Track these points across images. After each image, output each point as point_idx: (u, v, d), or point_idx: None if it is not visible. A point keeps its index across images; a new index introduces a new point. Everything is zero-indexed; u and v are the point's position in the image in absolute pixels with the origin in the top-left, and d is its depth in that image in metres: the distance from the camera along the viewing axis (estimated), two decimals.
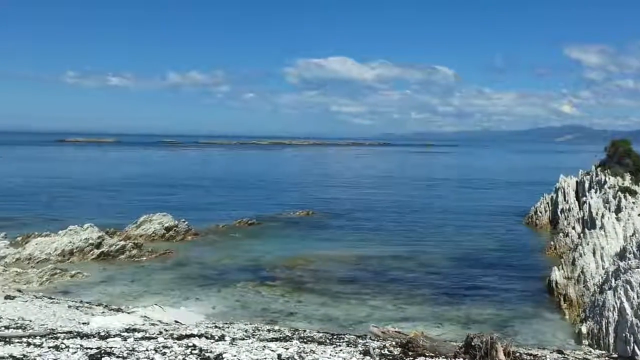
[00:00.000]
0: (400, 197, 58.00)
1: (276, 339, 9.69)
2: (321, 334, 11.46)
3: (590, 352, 12.06)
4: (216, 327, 12.00)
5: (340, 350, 8.47)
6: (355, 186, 69.68)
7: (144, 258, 28.14)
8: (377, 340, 9.36)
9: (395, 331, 9.53)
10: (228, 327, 12.15)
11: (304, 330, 12.96)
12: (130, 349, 7.79)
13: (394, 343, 8.84)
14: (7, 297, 16.58)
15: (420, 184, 74.02)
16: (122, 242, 29.39)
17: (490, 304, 21.31)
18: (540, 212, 41.99)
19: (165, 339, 8.94)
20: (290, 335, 11.02)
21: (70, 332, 9.89)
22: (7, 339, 8.97)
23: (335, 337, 10.70)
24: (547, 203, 42.21)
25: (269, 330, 12.15)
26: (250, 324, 14.47)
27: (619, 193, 32.70)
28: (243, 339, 9.28)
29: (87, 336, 9.38)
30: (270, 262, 27.75)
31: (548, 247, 31.44)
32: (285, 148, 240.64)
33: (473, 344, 7.74)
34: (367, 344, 9.11)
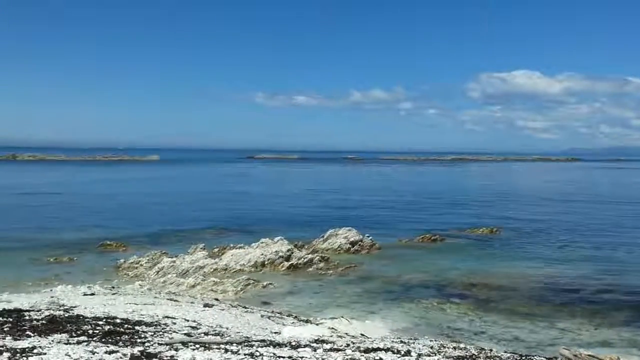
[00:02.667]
0: (591, 215, 54.89)
1: (462, 357, 9.61)
2: (509, 355, 11.21)
3: None
4: (401, 342, 12.08)
5: None
6: (542, 203, 66.89)
7: (330, 271, 28.80)
8: None
9: (589, 355, 9.13)
10: (413, 343, 12.19)
11: (490, 350, 12.71)
12: (320, 359, 8.09)
13: None
14: (205, 305, 17.73)
15: (614, 201, 69.62)
16: (310, 255, 30.32)
17: None
18: None
19: (352, 351, 9.18)
20: (476, 354, 10.88)
21: (264, 340, 10.42)
22: (206, 345, 9.64)
23: (523, 358, 10.42)
24: None
25: (454, 348, 12.05)
26: (435, 340, 14.39)
27: None
28: (429, 355, 9.31)
29: (279, 345, 9.85)
30: (454, 279, 27.37)
31: None
32: (468, 164, 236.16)
33: None
34: None
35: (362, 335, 13.72)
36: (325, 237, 35.02)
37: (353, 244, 34.29)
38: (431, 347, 11.78)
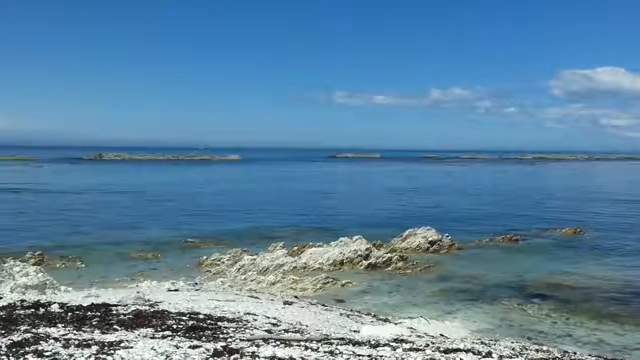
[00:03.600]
0: None
1: None
2: (594, 358, 10.92)
3: None
4: (482, 343, 11.92)
5: None
6: (627, 204, 64.53)
7: (409, 270, 28.66)
8: None
9: None
10: (494, 344, 12.02)
11: (574, 353, 12.40)
12: (400, 359, 8.08)
13: None
14: (285, 303, 17.95)
15: None
16: (388, 255, 30.23)
17: None
18: None
19: (432, 351, 9.13)
20: (559, 356, 10.64)
21: (343, 338, 10.48)
22: (287, 342, 9.77)
23: None
24: None
25: (537, 351, 11.81)
26: (517, 342, 14.14)
27: None
28: (511, 357, 9.16)
29: (358, 344, 9.88)
30: (536, 279, 26.78)
31: None
32: (549, 163, 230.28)
33: None
34: None
35: (442, 335, 13.62)
36: (403, 236, 34.85)
37: (432, 243, 34.01)
38: (513, 349, 11.59)
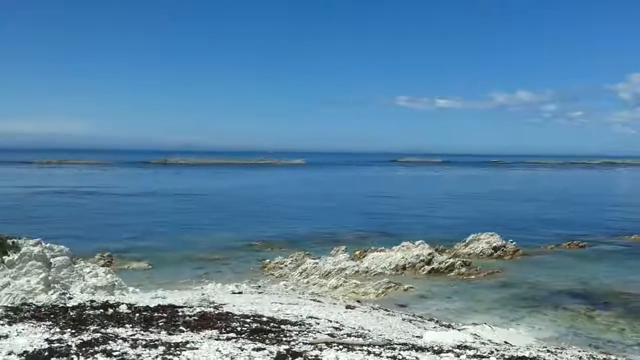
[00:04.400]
0: None
1: None
2: None
3: None
4: (548, 351, 11.71)
5: None
6: None
7: (472, 276, 28.33)
8: None
9: None
10: (560, 353, 11.78)
11: None
12: None
13: None
14: (347, 307, 17.99)
15: None
16: (451, 260, 29.95)
17: None
18: None
19: (497, 359, 9.03)
20: None
21: (406, 344, 10.45)
22: (349, 346, 9.80)
23: None
24: None
25: None
26: (584, 351, 13.83)
27: None
28: None
29: (421, 349, 9.84)
30: (603, 287, 26.10)
31: None
32: (617, 167, 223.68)
33: None
34: None
35: (506, 342, 13.43)
36: (467, 241, 34.47)
37: (496, 249, 33.54)
38: (580, 358, 11.36)
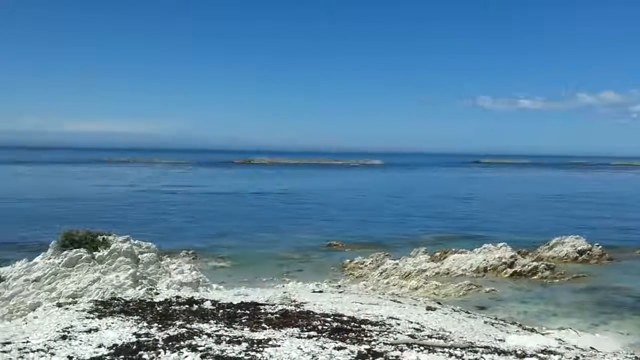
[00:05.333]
0: None
1: None
2: None
3: None
4: (636, 358, 11.37)
5: None
6: None
7: (556, 280, 27.68)
8: None
9: None
10: None
11: None
12: None
13: None
14: (428, 308, 17.89)
15: None
16: (534, 263, 29.32)
17: None
18: None
19: None
20: None
21: (488, 347, 10.34)
22: (430, 348, 9.79)
23: None
24: None
25: None
26: None
27: None
28: None
29: (503, 353, 9.73)
30: None
31: None
32: None
33: None
34: None
35: (592, 348, 13.08)
36: (550, 244, 33.67)
37: (581, 252, 32.64)
38: None
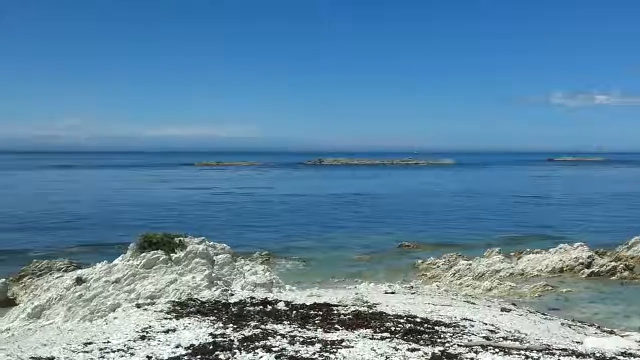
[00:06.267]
0: None
1: None
2: None
3: None
4: None
5: None
6: None
7: (636, 280, 26.86)
8: None
9: None
10: None
11: None
12: None
13: None
14: (502, 310, 17.61)
15: None
16: (613, 263, 28.53)
17: None
18: None
19: None
20: None
21: (565, 349, 10.14)
22: (506, 350, 9.66)
23: None
24: None
25: None
26: None
27: None
28: None
29: (582, 355, 9.53)
30: None
31: None
32: None
33: None
34: None
35: None
36: (629, 244, 32.60)
37: None
38: None
